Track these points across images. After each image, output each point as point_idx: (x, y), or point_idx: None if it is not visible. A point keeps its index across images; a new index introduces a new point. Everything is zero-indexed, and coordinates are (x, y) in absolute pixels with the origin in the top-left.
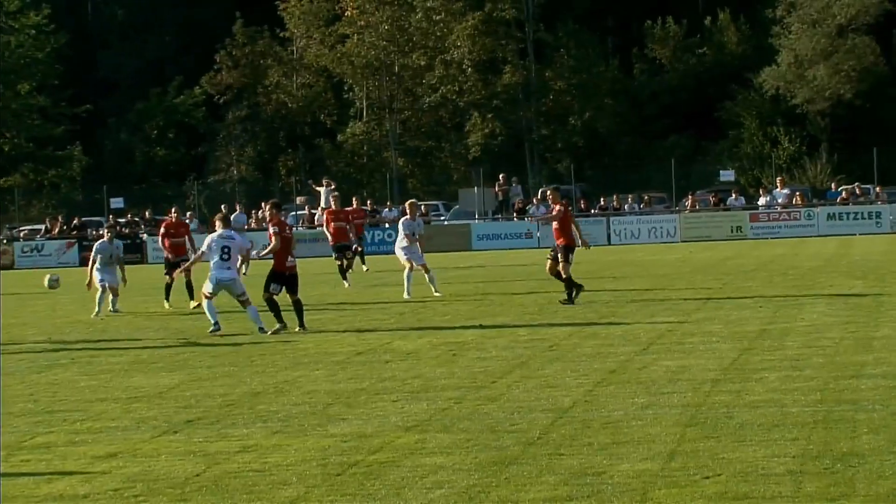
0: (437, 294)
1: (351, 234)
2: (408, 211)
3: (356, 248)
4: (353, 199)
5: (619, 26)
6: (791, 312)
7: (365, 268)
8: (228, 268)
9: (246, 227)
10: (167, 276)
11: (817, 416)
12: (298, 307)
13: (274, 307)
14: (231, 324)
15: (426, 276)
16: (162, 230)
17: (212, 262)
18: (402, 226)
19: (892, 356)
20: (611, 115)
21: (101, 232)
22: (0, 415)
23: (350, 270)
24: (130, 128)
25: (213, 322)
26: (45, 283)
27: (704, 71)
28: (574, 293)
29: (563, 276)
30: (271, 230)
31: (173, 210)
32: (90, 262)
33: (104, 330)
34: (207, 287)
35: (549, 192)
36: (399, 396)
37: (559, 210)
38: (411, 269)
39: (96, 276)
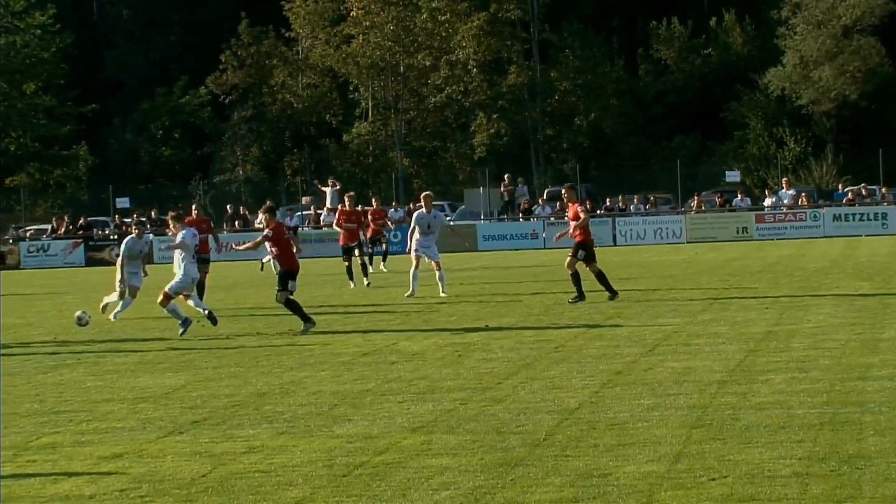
0: (443, 294)
1: (362, 236)
2: (423, 203)
3: (383, 248)
4: (373, 199)
5: (625, 27)
6: (797, 314)
7: (371, 269)
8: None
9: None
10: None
11: (823, 418)
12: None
13: (296, 307)
14: (236, 324)
15: (436, 273)
16: None
17: (186, 261)
18: (414, 218)
19: None
20: (616, 116)
21: (130, 228)
22: (0, 416)
23: (369, 269)
24: (136, 127)
25: (182, 318)
26: (75, 319)
27: (710, 72)
28: (610, 296)
29: (569, 270)
30: (267, 234)
31: (193, 207)
32: (119, 259)
33: (110, 330)
34: (181, 286)
35: (564, 191)
36: (405, 397)
37: (584, 214)
38: (417, 266)
39: (117, 275)
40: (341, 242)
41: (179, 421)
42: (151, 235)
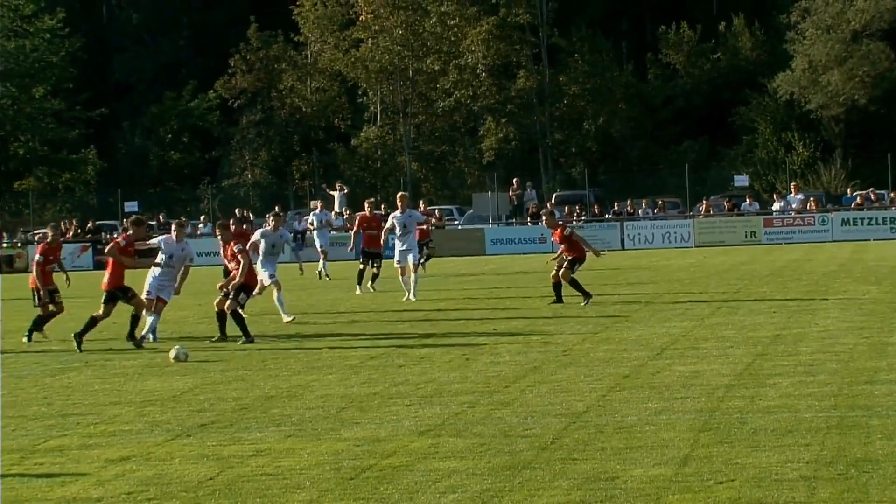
0: (410, 298)
1: (383, 243)
2: (399, 204)
3: (429, 251)
4: (421, 202)
5: (633, 31)
6: (805, 318)
7: (424, 272)
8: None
9: (331, 224)
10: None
11: (831, 422)
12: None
13: (241, 320)
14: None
15: (411, 276)
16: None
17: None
18: (390, 219)
19: None
20: (625, 120)
21: (267, 220)
22: (0, 419)
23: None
24: (145, 131)
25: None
26: (172, 356)
27: (719, 76)
28: (584, 301)
29: (566, 281)
30: (236, 248)
31: (231, 222)
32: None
33: (118, 333)
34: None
35: (544, 217)
36: (412, 401)
37: (564, 236)
38: (403, 274)
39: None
40: (363, 245)
41: (187, 424)
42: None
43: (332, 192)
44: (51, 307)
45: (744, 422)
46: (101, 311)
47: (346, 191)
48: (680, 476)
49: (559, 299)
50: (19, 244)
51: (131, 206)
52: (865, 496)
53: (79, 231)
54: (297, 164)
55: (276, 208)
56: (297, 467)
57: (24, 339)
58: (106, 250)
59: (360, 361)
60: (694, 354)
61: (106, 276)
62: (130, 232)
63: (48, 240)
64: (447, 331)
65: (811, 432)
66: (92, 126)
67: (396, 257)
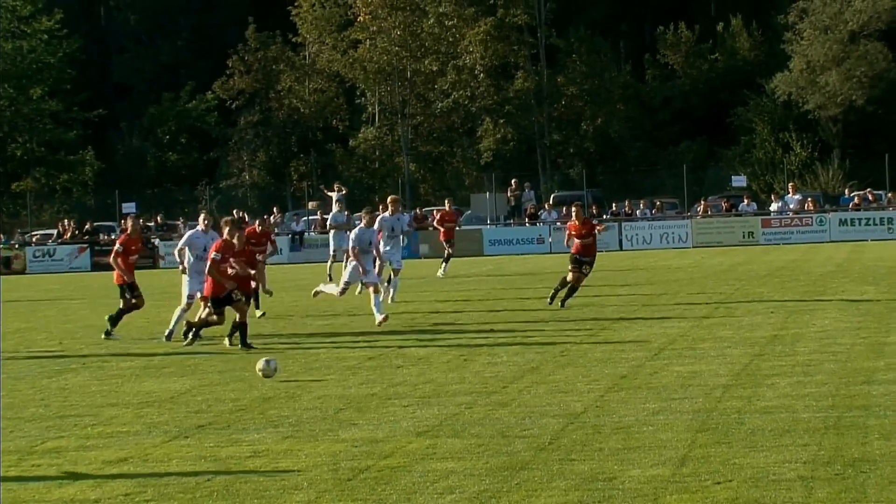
0: (389, 303)
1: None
2: (389, 206)
3: (448, 253)
4: (447, 201)
5: (632, 32)
6: (803, 318)
7: (440, 273)
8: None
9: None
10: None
11: (828, 422)
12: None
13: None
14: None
15: (392, 279)
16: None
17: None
18: (378, 222)
19: None
20: (623, 121)
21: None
22: (0, 420)
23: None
24: (143, 132)
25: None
26: (259, 367)
27: (717, 77)
28: (561, 304)
29: (578, 284)
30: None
31: (257, 222)
32: (351, 249)
33: (115, 334)
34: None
35: (574, 209)
36: (410, 402)
37: (594, 224)
38: (394, 274)
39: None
40: None
41: (184, 425)
42: (157, 241)
43: (329, 193)
44: (133, 301)
45: (741, 422)
46: (215, 318)
47: (344, 192)
48: (678, 476)
49: (552, 300)
50: (17, 245)
51: (129, 207)
52: (863, 496)
53: (76, 232)
54: (294, 165)
55: (275, 209)
56: (294, 468)
57: (102, 336)
58: (207, 271)
59: (357, 362)
60: (692, 355)
61: (209, 284)
62: (227, 234)
63: (128, 231)
64: (445, 331)
65: (809, 432)
66: (90, 127)
67: (384, 258)
